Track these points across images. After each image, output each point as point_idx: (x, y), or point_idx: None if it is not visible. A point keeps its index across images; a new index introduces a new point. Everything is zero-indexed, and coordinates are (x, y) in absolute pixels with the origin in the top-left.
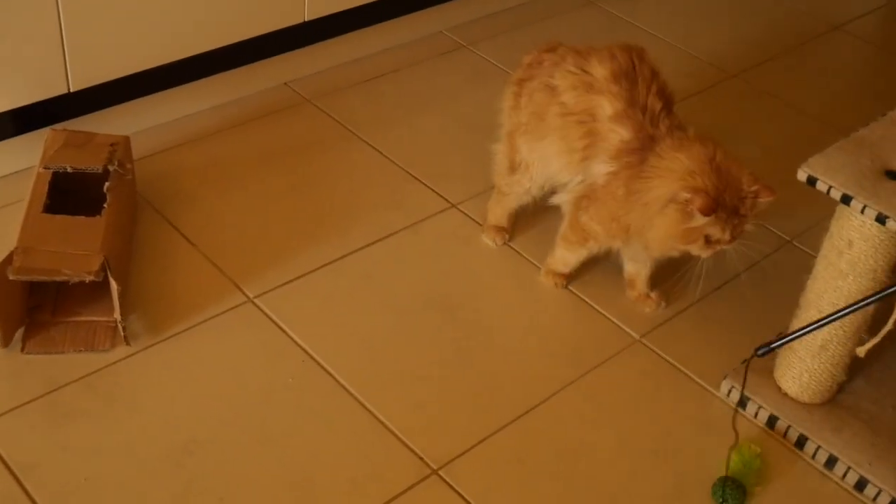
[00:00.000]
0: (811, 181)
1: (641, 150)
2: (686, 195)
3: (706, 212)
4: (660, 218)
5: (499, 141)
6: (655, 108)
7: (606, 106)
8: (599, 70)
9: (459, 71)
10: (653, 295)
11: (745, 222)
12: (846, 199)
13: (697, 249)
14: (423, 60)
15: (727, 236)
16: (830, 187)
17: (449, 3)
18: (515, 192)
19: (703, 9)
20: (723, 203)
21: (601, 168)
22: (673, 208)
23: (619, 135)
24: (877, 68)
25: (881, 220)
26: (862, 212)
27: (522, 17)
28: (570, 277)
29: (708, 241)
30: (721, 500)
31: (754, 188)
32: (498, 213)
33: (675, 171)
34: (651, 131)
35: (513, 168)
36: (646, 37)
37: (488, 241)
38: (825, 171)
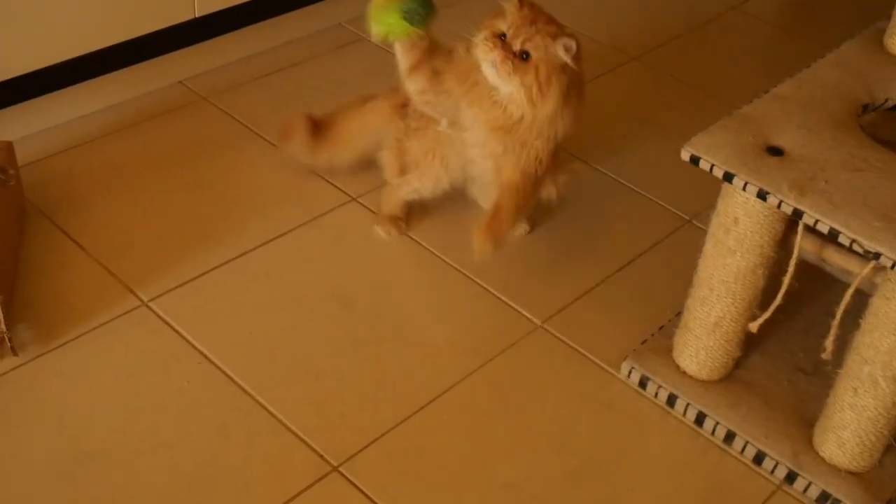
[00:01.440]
0: (694, 160)
1: None
2: None
3: None
4: None
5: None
6: None
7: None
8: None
9: (359, 63)
10: None
11: (532, 39)
12: (728, 177)
13: (480, 46)
14: (322, 54)
15: (511, 34)
16: (713, 165)
17: None
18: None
19: None
20: (530, 5)
21: None
22: None
23: None
24: (773, 47)
25: (762, 196)
26: (744, 189)
27: None
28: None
29: (494, 37)
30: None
31: (566, 30)
32: (392, 202)
33: None
34: None
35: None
36: None
37: (382, 232)
38: (707, 150)
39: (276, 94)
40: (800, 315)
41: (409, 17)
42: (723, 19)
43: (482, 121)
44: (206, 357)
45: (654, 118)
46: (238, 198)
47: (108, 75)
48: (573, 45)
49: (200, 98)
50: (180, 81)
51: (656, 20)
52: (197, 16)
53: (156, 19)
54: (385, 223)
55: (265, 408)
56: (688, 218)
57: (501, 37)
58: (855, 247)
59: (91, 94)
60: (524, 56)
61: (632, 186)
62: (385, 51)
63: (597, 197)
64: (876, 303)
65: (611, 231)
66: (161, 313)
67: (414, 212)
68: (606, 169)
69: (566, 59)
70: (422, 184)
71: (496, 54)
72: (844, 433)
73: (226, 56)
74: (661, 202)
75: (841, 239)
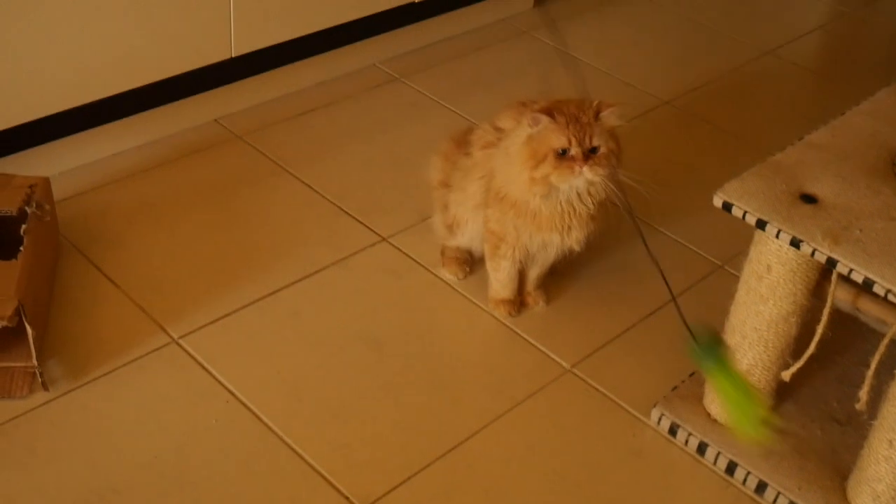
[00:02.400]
0: (727, 207)
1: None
2: (529, 116)
3: (542, 111)
4: (515, 152)
5: None
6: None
7: (504, 117)
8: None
9: (392, 103)
10: (533, 293)
11: (593, 133)
12: (761, 224)
13: (554, 174)
14: (356, 94)
15: (575, 147)
16: (745, 212)
17: (381, 36)
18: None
19: (635, 37)
20: (559, 110)
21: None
22: (522, 135)
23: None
24: (808, 92)
25: (795, 244)
26: (777, 236)
27: (456, 49)
28: (521, 305)
29: (559, 158)
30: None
31: (596, 102)
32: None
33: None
34: None
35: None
36: (580, 65)
37: (448, 274)
38: (740, 197)
39: (310, 134)
40: (834, 364)
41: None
42: (757, 64)
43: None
44: (233, 395)
45: (687, 162)
46: (269, 236)
47: (144, 113)
48: (615, 106)
49: (235, 136)
50: (215, 120)
51: (689, 65)
52: (234, 55)
53: (193, 58)
54: (451, 265)
55: (292, 448)
56: (720, 263)
57: (562, 152)
58: (890, 297)
59: (127, 132)
60: (593, 150)
61: (663, 231)
62: (419, 93)
63: (627, 241)
64: None
65: (642, 275)
66: (191, 350)
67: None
68: (638, 213)
69: (619, 121)
70: (468, 240)
71: (581, 169)
72: (879, 486)
73: (261, 95)
74: (692, 247)
75: (876, 289)
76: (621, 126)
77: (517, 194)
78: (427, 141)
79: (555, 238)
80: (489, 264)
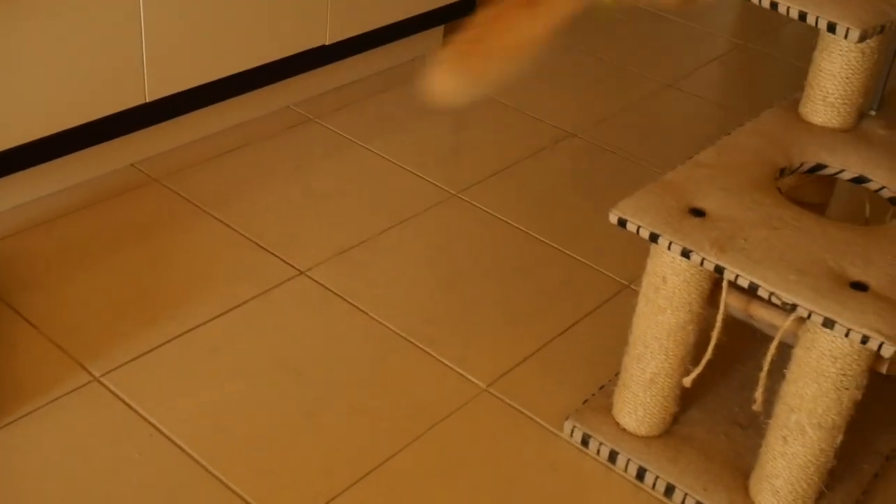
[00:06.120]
0: (622, 223)
1: None
2: None
3: None
4: None
5: None
6: None
7: None
8: None
9: (307, 143)
10: None
11: None
12: (654, 237)
13: None
14: (272, 135)
15: None
16: (639, 227)
17: (295, 78)
18: None
19: (543, 75)
20: None
21: None
22: None
23: None
24: (709, 119)
25: (686, 254)
26: (669, 248)
27: (368, 89)
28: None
29: None
30: None
31: None
32: None
33: None
34: None
35: None
36: (487, 102)
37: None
38: (634, 213)
39: (226, 175)
40: (736, 372)
41: None
42: (660, 96)
43: None
44: (157, 429)
45: (594, 189)
46: (189, 274)
47: (61, 158)
48: None
49: (152, 179)
50: (132, 164)
51: (596, 99)
52: (148, 100)
53: (108, 103)
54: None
55: (216, 476)
56: (626, 283)
57: None
58: (773, 299)
59: (44, 177)
60: None
61: (571, 254)
62: (333, 132)
63: (539, 266)
64: (798, 353)
65: (553, 297)
66: (112, 388)
67: (365, 282)
68: (548, 239)
69: None
70: None
71: None
72: (777, 482)
73: (177, 138)
74: (601, 269)
75: (760, 292)
76: None
77: None
78: (342, 178)
79: None
80: None
